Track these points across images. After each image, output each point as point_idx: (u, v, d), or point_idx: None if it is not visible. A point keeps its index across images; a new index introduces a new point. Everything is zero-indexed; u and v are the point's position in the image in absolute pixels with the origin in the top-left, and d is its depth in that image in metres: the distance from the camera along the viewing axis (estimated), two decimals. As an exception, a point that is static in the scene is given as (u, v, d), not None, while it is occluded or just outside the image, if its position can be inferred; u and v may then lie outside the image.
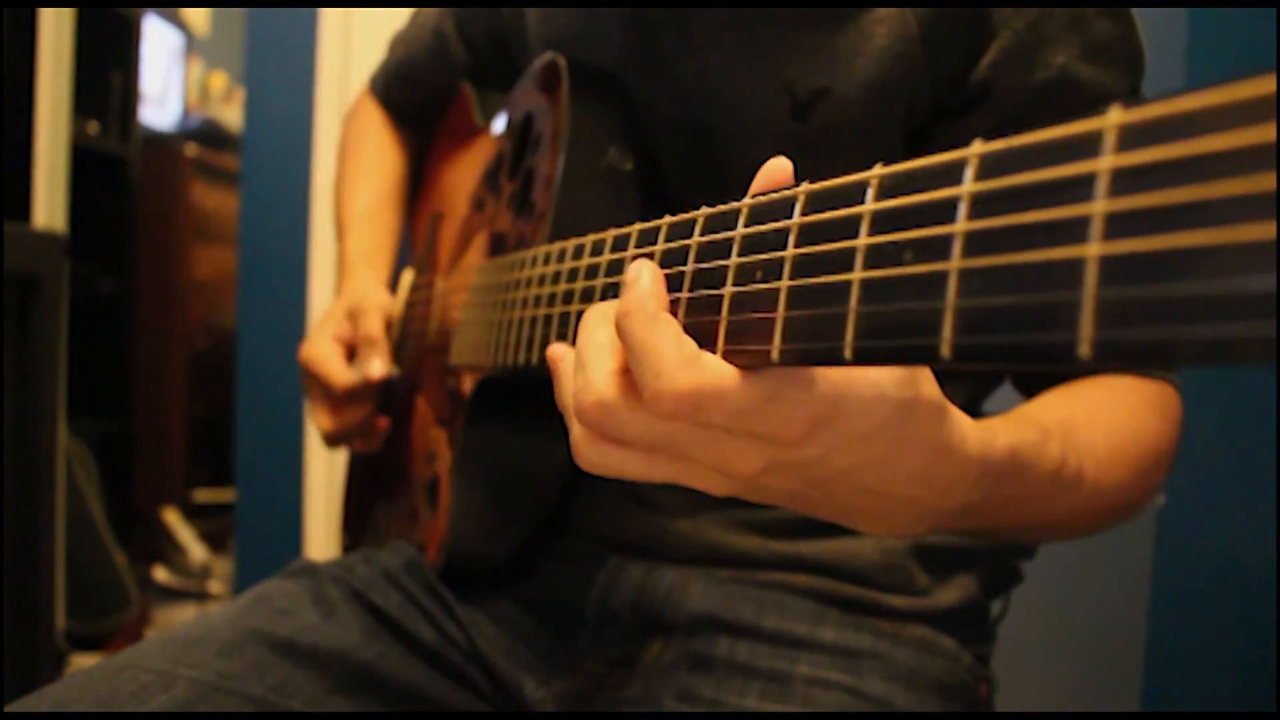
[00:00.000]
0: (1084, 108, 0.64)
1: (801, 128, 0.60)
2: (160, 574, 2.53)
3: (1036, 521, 0.51)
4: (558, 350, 0.44)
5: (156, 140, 2.85)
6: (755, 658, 0.62)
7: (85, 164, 2.19)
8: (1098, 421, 0.52)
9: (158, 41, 2.95)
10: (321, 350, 0.80)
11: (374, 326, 0.79)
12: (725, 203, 0.38)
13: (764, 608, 0.64)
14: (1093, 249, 0.22)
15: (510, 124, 0.75)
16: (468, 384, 0.68)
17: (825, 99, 0.59)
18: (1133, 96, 0.59)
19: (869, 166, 0.31)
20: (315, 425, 0.82)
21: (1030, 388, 0.61)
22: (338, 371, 0.79)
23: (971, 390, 0.68)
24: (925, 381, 0.36)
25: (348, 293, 0.84)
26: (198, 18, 3.35)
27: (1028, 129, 0.62)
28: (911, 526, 0.42)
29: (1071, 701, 1.35)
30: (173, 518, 2.65)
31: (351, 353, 0.81)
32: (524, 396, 0.65)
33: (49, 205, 1.90)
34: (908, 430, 0.36)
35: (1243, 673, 1.14)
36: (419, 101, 0.95)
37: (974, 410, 0.64)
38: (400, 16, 0.97)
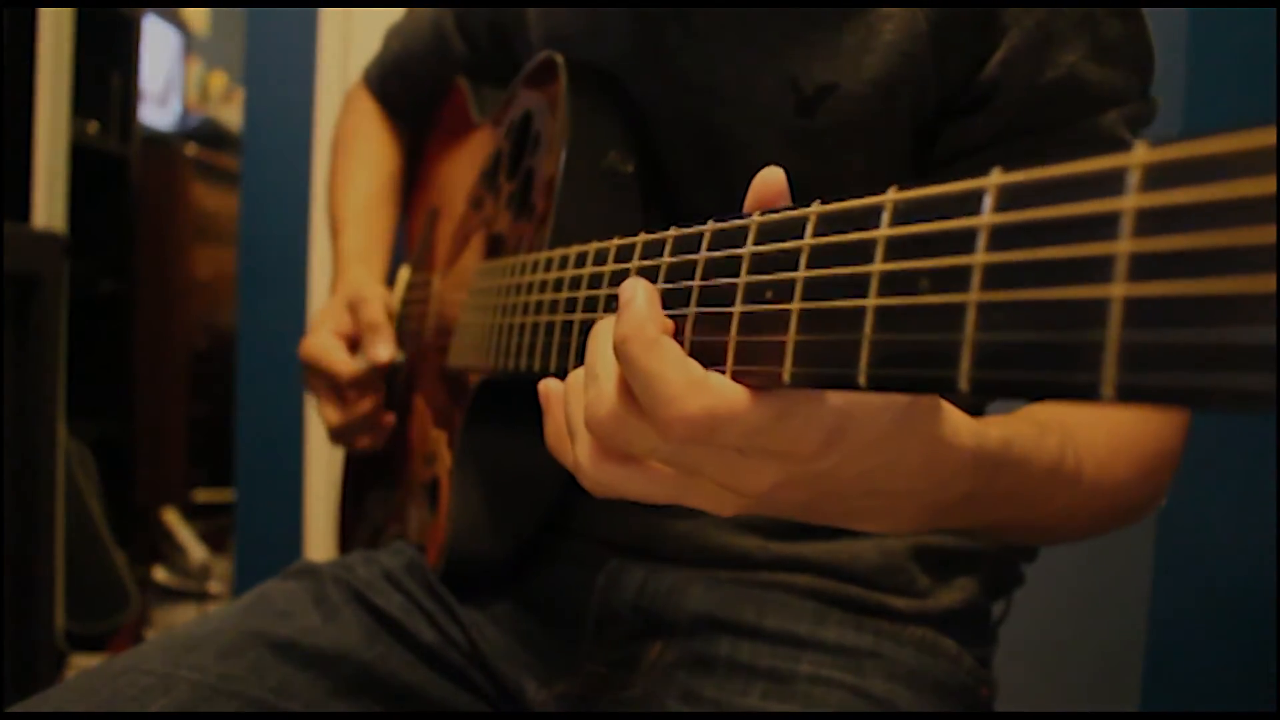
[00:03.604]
0: (1091, 108, 0.63)
1: (807, 124, 0.59)
2: (160, 574, 2.53)
3: (1039, 518, 0.51)
4: (550, 385, 0.43)
5: (156, 140, 2.85)
6: (757, 657, 0.62)
7: (85, 164, 2.19)
8: (1099, 421, 0.52)
9: (158, 41, 2.95)
10: (323, 343, 0.80)
11: (376, 313, 0.80)
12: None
13: (765, 608, 0.63)
14: (1117, 289, 0.21)
15: (509, 122, 0.75)
16: (467, 385, 0.68)
17: (831, 95, 0.59)
18: (1141, 98, 0.58)
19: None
20: (322, 421, 0.82)
21: None
22: (342, 361, 0.79)
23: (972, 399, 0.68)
24: None
25: (343, 288, 0.84)
26: (198, 18, 3.34)
27: (1034, 129, 0.61)
28: (913, 522, 0.42)
29: (1071, 702, 1.35)
30: (172, 518, 2.65)
31: (353, 345, 0.81)
32: (524, 398, 0.64)
33: (49, 205, 1.90)
34: (909, 429, 0.36)
35: (1243, 673, 1.14)
36: (415, 96, 0.95)
37: (975, 415, 0.64)
38: (399, 16, 0.97)
